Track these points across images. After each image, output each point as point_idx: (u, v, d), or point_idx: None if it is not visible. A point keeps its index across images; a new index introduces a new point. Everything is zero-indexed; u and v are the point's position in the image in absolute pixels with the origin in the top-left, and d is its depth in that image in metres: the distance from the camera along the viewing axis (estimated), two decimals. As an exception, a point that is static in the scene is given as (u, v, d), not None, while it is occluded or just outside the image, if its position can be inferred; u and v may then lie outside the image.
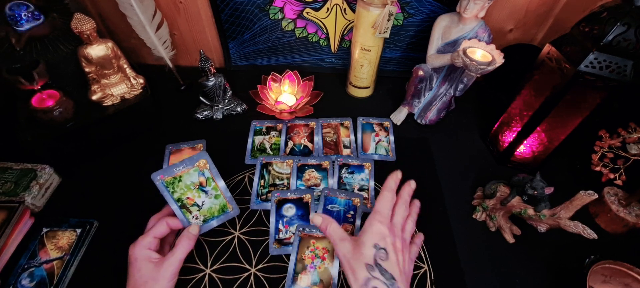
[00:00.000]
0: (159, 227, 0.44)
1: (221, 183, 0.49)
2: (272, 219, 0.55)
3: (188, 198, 0.47)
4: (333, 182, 0.61)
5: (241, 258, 0.51)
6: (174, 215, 0.47)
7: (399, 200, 0.42)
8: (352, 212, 0.55)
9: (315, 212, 0.56)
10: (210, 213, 0.49)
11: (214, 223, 0.49)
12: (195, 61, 0.67)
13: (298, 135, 0.69)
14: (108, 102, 0.63)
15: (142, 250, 0.42)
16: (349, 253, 0.37)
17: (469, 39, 0.60)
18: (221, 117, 0.72)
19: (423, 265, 0.51)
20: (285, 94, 0.75)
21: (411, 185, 0.43)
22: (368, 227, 0.38)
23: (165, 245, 0.47)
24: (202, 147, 0.66)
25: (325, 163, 0.63)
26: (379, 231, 0.37)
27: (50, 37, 0.60)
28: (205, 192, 0.48)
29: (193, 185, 0.47)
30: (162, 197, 0.46)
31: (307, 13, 0.75)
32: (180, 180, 0.47)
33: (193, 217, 0.47)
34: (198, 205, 0.48)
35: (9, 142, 0.61)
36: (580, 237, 0.45)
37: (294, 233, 0.53)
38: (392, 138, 0.69)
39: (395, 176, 0.43)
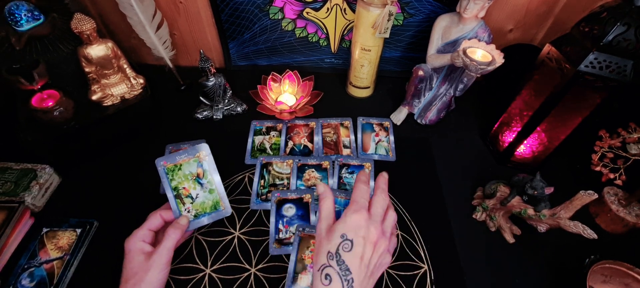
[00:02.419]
0: (152, 219, 0.45)
1: (216, 178, 0.49)
2: (272, 219, 0.55)
3: (184, 188, 0.48)
4: (333, 182, 0.61)
5: (241, 258, 0.51)
6: (170, 208, 0.47)
7: (377, 190, 0.40)
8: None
9: (316, 213, 0.56)
10: (202, 209, 0.49)
11: (205, 220, 0.49)
12: (195, 61, 0.67)
13: (298, 135, 0.69)
14: (108, 102, 0.63)
15: (137, 243, 0.42)
16: (323, 235, 0.37)
17: (469, 39, 0.60)
18: (221, 117, 0.72)
19: (423, 265, 0.51)
20: (285, 94, 0.75)
21: (384, 175, 0.42)
22: (343, 216, 0.38)
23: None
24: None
25: (325, 163, 0.63)
26: (353, 222, 0.37)
27: (50, 37, 0.60)
28: (201, 184, 0.49)
29: (191, 175, 0.48)
30: (162, 196, 0.46)
31: (307, 13, 0.75)
32: (180, 169, 0.48)
33: (185, 209, 0.48)
34: (192, 198, 0.48)
35: (9, 142, 0.61)
36: (580, 237, 0.45)
37: (294, 233, 0.53)
38: (392, 138, 0.69)
39: (365, 173, 0.42)
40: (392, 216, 0.40)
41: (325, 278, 0.34)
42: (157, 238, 0.46)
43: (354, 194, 0.39)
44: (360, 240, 0.35)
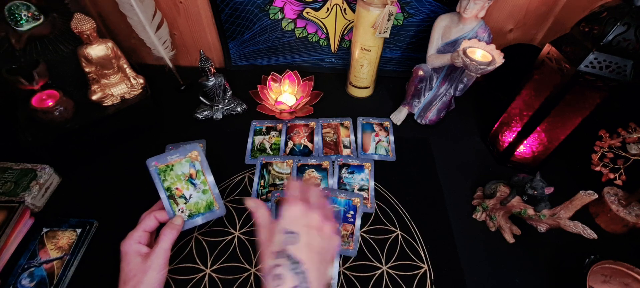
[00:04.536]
0: (147, 220, 0.45)
1: (210, 178, 0.49)
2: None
3: (177, 188, 0.48)
4: (333, 182, 0.61)
5: (241, 258, 0.51)
6: (164, 209, 0.47)
7: (309, 188, 0.41)
8: (352, 212, 0.55)
9: None
10: (196, 209, 0.49)
11: (199, 221, 0.49)
12: (195, 61, 0.67)
13: (298, 135, 0.69)
14: (108, 102, 0.63)
15: (132, 244, 0.43)
16: (265, 240, 0.37)
17: (469, 39, 0.60)
18: (221, 117, 0.72)
19: (423, 265, 0.51)
20: (285, 94, 0.75)
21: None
22: (281, 213, 0.37)
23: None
24: (203, 147, 0.66)
25: (325, 163, 0.63)
26: (291, 214, 0.36)
27: (50, 37, 0.60)
28: (194, 185, 0.49)
29: (183, 176, 0.48)
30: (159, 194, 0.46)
31: (307, 13, 0.75)
32: (172, 169, 0.47)
33: (179, 209, 0.48)
34: (185, 198, 0.48)
35: (9, 142, 0.61)
36: (580, 237, 0.45)
37: (294, 233, 0.53)
38: (392, 138, 0.69)
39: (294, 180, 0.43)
40: (329, 204, 0.40)
41: (275, 279, 0.32)
42: (152, 239, 0.46)
43: (287, 191, 0.40)
44: (304, 229, 0.35)
